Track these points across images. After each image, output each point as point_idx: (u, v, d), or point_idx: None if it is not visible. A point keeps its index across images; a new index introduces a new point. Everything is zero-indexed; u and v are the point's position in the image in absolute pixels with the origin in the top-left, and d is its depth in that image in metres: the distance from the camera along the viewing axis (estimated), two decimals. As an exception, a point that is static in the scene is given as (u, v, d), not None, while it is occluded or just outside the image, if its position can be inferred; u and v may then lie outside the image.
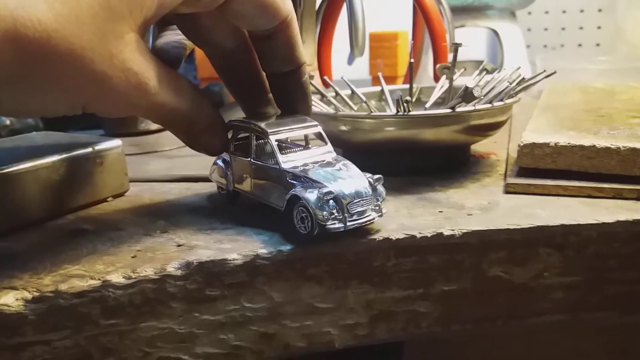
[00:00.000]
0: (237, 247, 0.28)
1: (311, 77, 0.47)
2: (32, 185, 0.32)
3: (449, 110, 0.36)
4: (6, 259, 0.28)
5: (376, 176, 0.30)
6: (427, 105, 0.44)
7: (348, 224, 0.28)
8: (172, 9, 0.27)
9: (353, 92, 0.48)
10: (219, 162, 0.35)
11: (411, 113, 0.36)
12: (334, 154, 0.32)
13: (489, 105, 0.37)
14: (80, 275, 0.26)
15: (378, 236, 0.29)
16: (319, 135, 0.33)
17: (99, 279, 0.26)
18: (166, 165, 0.46)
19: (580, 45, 0.90)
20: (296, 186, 0.29)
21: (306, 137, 0.34)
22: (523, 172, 0.37)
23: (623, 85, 0.58)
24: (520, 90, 0.40)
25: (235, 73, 0.33)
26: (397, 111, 0.36)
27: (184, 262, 0.27)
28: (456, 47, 0.41)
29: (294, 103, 0.33)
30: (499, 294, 0.30)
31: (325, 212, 0.27)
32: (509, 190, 0.35)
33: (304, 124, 0.32)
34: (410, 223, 0.31)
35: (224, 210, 0.34)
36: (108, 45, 0.24)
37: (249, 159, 0.32)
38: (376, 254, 0.29)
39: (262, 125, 0.31)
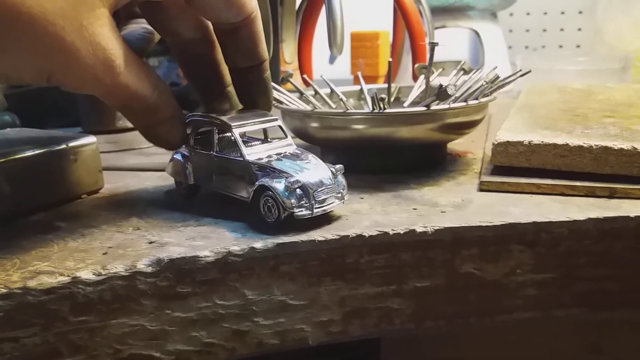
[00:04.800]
0: (209, 244, 0.28)
1: (290, 75, 0.47)
2: (4, 180, 0.31)
3: (424, 108, 0.36)
4: (-26, 255, 0.28)
5: (338, 166, 0.31)
6: (405, 104, 0.45)
7: (315, 210, 0.29)
8: None
9: (332, 90, 0.48)
10: (177, 156, 0.35)
11: (386, 111, 0.36)
12: (294, 146, 0.33)
13: (463, 104, 0.38)
14: (49, 272, 0.26)
15: (351, 233, 0.29)
16: (279, 129, 0.34)
17: (68, 276, 0.25)
18: (143, 161, 0.46)
19: (561, 46, 0.91)
20: (262, 177, 0.30)
21: (265, 131, 0.34)
22: (497, 170, 0.37)
23: (600, 86, 0.59)
24: (495, 89, 0.41)
25: (195, 64, 0.34)
26: (373, 109, 0.36)
27: (154, 258, 0.27)
28: (433, 46, 0.41)
29: (255, 97, 0.34)
30: (471, 291, 0.31)
31: (293, 200, 0.29)
32: (483, 188, 0.36)
33: (264, 118, 0.33)
34: (384, 220, 0.31)
35: (198, 206, 0.34)
36: (79, 15, 0.25)
37: (212, 152, 0.33)
38: (349, 251, 0.29)
39: (225, 118, 0.32)
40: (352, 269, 0.29)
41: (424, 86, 0.48)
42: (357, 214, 0.32)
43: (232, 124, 0.32)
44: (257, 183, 0.30)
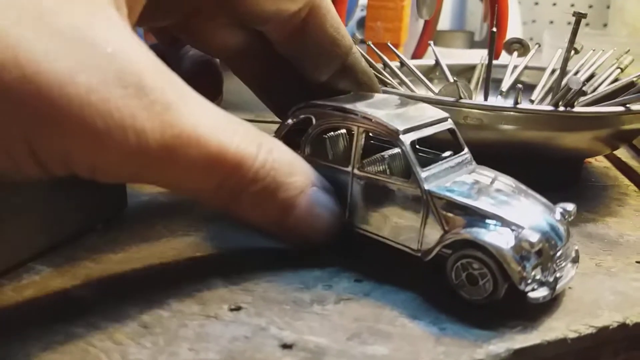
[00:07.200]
0: (400, 353, 0.16)
1: (357, 39, 0.34)
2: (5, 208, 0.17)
3: (622, 109, 0.25)
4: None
5: (569, 206, 0.20)
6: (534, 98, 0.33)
7: (558, 287, 0.18)
8: None
9: (437, 63, 0.36)
10: None
11: (578, 109, 0.24)
12: (474, 164, 0.21)
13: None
14: None
15: (612, 322, 0.18)
16: (452, 133, 0.22)
17: None
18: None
19: (569, 23, 0.84)
20: (461, 223, 0.18)
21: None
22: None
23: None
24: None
25: (262, 69, 0.25)
26: (517, 102, 0.24)
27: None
28: (580, 17, 0.30)
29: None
30: None
31: (528, 271, 0.17)
32: (690, 223, 0.26)
33: (433, 118, 0.21)
34: (623, 288, 0.20)
35: (300, 251, 0.21)
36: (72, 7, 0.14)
37: (349, 169, 0.20)
38: (604, 349, 0.18)
39: (382, 117, 0.20)
40: (600, 374, 0.18)
41: (520, 67, 0.37)
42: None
43: (400, 128, 0.19)
44: (456, 233, 0.18)
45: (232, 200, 0.17)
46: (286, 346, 0.16)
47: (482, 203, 0.18)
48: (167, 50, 0.29)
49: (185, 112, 0.15)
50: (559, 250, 0.18)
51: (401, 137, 0.19)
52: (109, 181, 0.16)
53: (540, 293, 0.17)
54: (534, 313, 0.18)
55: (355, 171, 0.20)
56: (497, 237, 0.17)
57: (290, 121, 0.22)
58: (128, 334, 0.16)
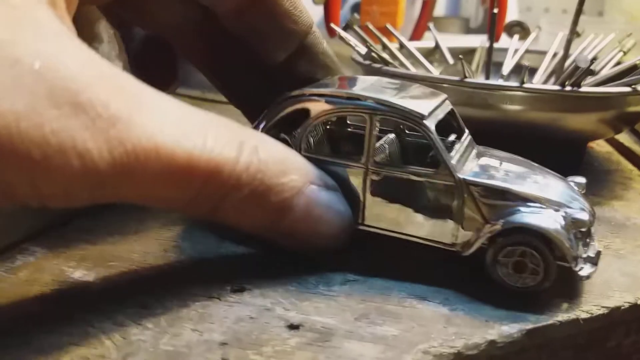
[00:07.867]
0: (412, 333, 0.15)
1: (357, 20, 0.33)
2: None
3: (629, 89, 0.25)
4: None
5: (580, 179, 0.20)
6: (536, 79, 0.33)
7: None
8: None
9: (437, 46, 0.35)
10: None
11: (585, 89, 0.24)
12: (476, 145, 0.20)
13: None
14: None
15: (623, 302, 0.17)
16: (451, 115, 0.20)
17: None
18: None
19: (565, 11, 0.83)
20: (503, 209, 0.17)
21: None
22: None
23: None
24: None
25: (211, 48, 0.22)
26: (523, 81, 0.24)
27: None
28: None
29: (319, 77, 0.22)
30: None
31: (577, 249, 0.17)
32: (697, 206, 0.25)
33: (438, 98, 0.20)
34: (636, 270, 0.19)
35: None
36: None
37: (363, 162, 0.18)
38: (615, 330, 0.18)
39: (397, 101, 0.18)
40: (611, 355, 0.18)
41: (522, 50, 0.36)
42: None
43: (424, 113, 0.18)
44: (499, 222, 0.17)
45: (213, 209, 0.15)
46: (293, 327, 0.15)
47: (520, 186, 0.17)
48: (121, 33, 0.26)
49: (139, 123, 0.13)
50: (592, 226, 0.18)
51: (425, 121, 0.18)
52: (64, 207, 0.14)
53: (588, 270, 0.17)
54: (545, 293, 0.17)
55: (371, 166, 0.18)
56: (547, 220, 0.16)
57: (279, 115, 0.19)
58: (128, 314, 0.15)
